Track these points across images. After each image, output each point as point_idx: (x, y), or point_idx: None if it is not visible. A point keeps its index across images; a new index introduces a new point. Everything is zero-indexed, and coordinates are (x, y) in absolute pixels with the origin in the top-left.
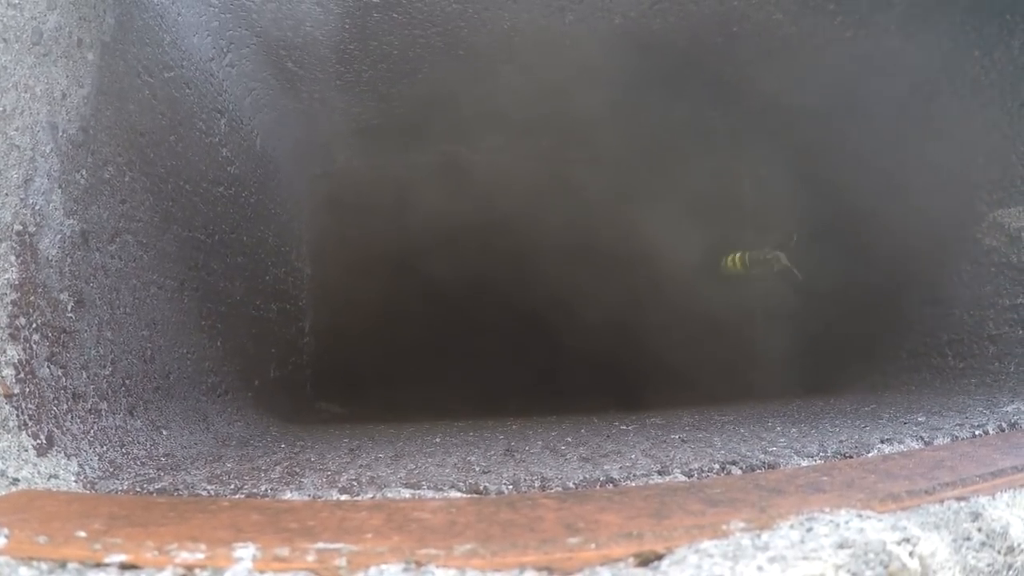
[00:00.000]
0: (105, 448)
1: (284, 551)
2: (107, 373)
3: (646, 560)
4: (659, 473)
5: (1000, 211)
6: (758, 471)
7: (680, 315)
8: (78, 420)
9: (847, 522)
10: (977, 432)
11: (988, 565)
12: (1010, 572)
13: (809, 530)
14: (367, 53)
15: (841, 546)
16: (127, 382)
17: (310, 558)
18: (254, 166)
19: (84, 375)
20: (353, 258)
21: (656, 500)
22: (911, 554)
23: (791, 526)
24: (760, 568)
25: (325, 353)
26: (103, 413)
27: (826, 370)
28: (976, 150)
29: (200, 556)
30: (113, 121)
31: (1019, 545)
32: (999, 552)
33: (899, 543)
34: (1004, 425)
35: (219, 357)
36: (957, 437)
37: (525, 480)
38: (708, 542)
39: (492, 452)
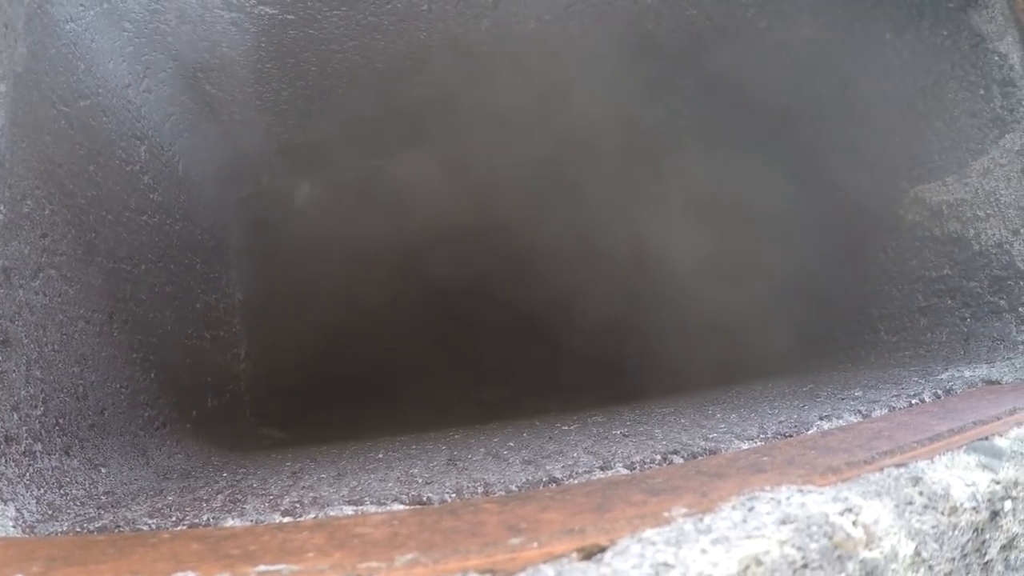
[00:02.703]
0: (42, 490)
1: None
2: (39, 413)
3: (589, 553)
4: (601, 469)
5: (920, 187)
6: (700, 458)
7: (613, 307)
8: (12, 464)
9: (788, 498)
10: (914, 401)
11: (933, 527)
12: (955, 531)
13: (751, 509)
14: (285, 71)
15: (784, 522)
16: (61, 421)
17: None
18: (177, 192)
19: (15, 417)
20: (285, 280)
21: (598, 495)
22: (854, 523)
23: (733, 507)
24: (704, 551)
25: (263, 378)
26: (38, 455)
27: (763, 355)
28: (894, 130)
29: None
30: (29, 153)
31: (961, 505)
32: (942, 513)
33: (842, 513)
34: (940, 392)
35: (154, 390)
36: (894, 408)
37: (468, 487)
38: (651, 530)
39: (435, 463)
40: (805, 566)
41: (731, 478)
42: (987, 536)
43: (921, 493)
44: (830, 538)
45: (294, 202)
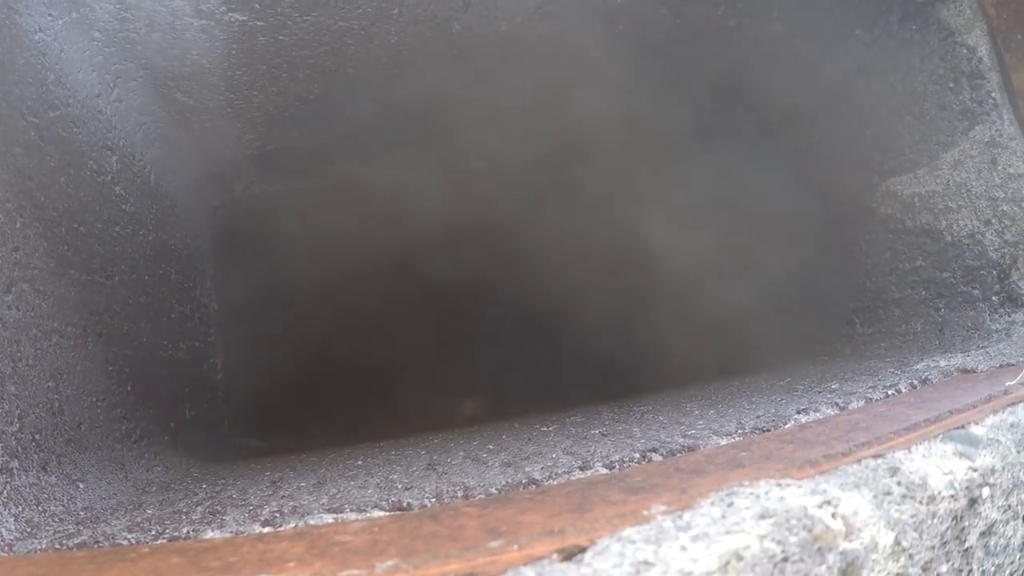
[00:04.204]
0: (20, 508)
1: None
2: (15, 430)
3: (570, 554)
4: (580, 469)
5: (892, 180)
6: (678, 455)
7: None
8: None
9: (767, 492)
10: (890, 392)
11: (912, 516)
12: (934, 520)
13: (730, 505)
14: (256, 78)
15: (763, 516)
16: (37, 437)
17: None
18: (150, 202)
19: None
20: (261, 289)
21: (578, 495)
22: (833, 515)
23: (712, 503)
24: (684, 548)
25: (240, 388)
26: (15, 472)
27: (740, 352)
28: (864, 124)
29: None
30: None
31: (939, 493)
32: (921, 502)
33: (820, 506)
34: (915, 382)
35: (131, 403)
36: (871, 399)
37: (448, 491)
38: (630, 529)
39: (414, 468)
40: (785, 559)
41: (710, 474)
42: (966, 523)
43: (899, 483)
44: (809, 531)
45: (268, 209)
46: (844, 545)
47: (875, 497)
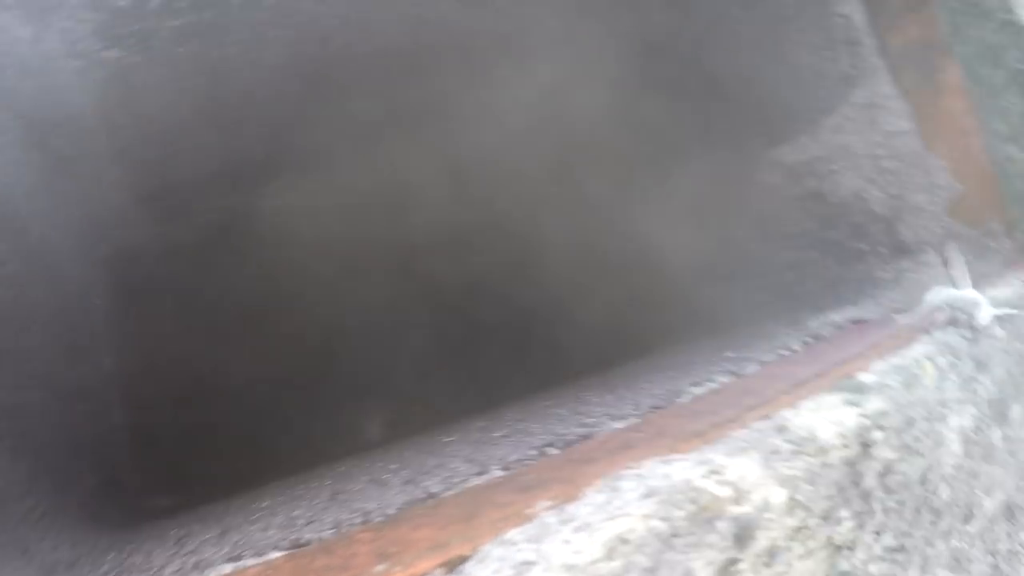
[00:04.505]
0: None
1: None
2: None
3: (453, 566)
4: (478, 475)
5: (776, 150)
6: (574, 446)
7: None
8: None
9: (653, 471)
10: (784, 353)
11: (804, 470)
12: (827, 470)
13: (615, 490)
14: (136, 116)
15: (647, 496)
16: None
17: None
18: (35, 260)
19: None
20: (156, 340)
21: (469, 503)
22: (720, 482)
23: (598, 491)
24: (566, 541)
25: (143, 446)
26: None
27: (637, 333)
28: (747, 99)
29: None
30: None
31: (829, 443)
32: (811, 455)
33: (706, 476)
34: (809, 339)
35: (28, 479)
36: (765, 362)
37: (347, 520)
38: (513, 530)
39: (318, 500)
40: (674, 535)
41: (600, 461)
42: (861, 467)
43: (788, 440)
44: (695, 503)
45: (159, 254)
46: (734, 510)
47: (763, 458)
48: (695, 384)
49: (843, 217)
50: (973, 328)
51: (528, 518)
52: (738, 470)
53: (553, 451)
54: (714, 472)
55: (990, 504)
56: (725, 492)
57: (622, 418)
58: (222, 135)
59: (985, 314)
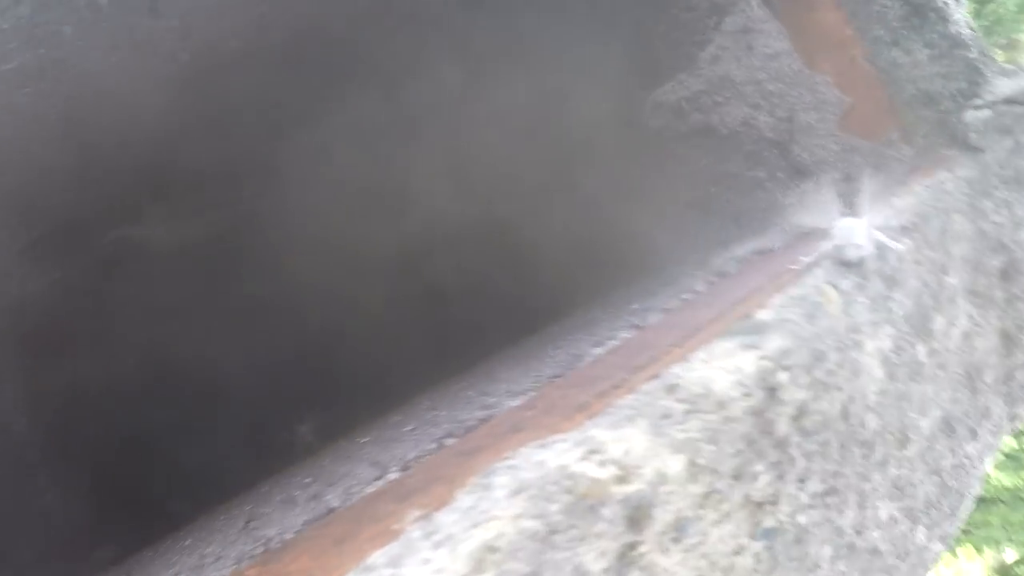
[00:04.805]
0: None
1: None
2: None
3: None
4: (376, 479)
5: (657, 91)
6: (470, 434)
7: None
8: None
9: (528, 459)
10: (687, 297)
11: (702, 430)
12: (731, 424)
13: (487, 488)
14: (5, 157)
15: (517, 492)
16: None
17: None
18: None
19: None
20: (67, 389)
21: (353, 519)
22: (601, 463)
23: (469, 492)
24: (426, 560)
25: (78, 498)
26: None
27: (552, 295)
28: (619, 44)
29: None
30: None
31: (729, 395)
32: (709, 412)
33: (583, 458)
34: (712, 278)
35: None
36: (668, 309)
37: (248, 552)
38: (376, 553)
39: (231, 530)
40: (553, 532)
41: (486, 450)
42: (770, 415)
43: (679, 400)
44: (571, 492)
45: (53, 300)
46: (621, 491)
47: (652, 425)
48: (597, 344)
49: (736, 148)
50: (856, 263)
51: (395, 535)
52: (621, 445)
53: (451, 441)
54: (593, 452)
55: (926, 423)
56: (606, 473)
57: (521, 393)
58: (101, 166)
59: (867, 243)
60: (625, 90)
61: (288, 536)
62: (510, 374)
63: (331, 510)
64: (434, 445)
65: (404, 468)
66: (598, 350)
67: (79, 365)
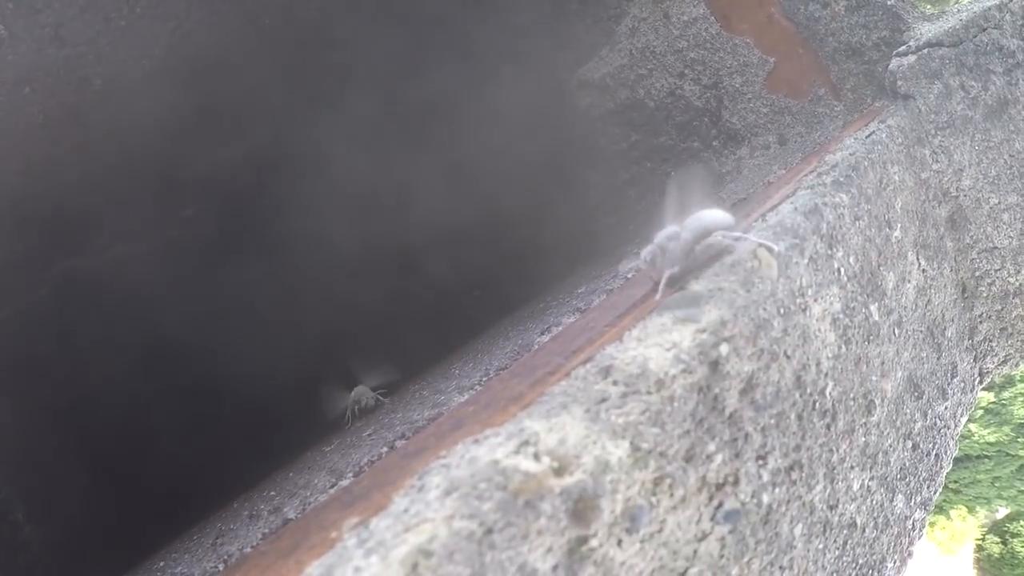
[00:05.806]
0: None
1: None
2: None
3: None
4: (332, 487)
5: (581, 70)
6: (418, 434)
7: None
8: None
9: (462, 457)
10: (630, 276)
11: (643, 412)
12: (675, 404)
13: (420, 490)
14: None
15: (449, 492)
16: None
17: None
18: None
19: None
20: (36, 421)
21: (300, 532)
22: (535, 456)
23: (404, 495)
24: (357, 569)
25: (56, 531)
26: None
27: (497, 288)
28: (537, 27)
29: None
30: None
31: (668, 373)
32: (648, 393)
33: (515, 452)
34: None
35: None
36: (610, 290)
37: (210, 569)
38: (313, 564)
39: (200, 550)
40: (489, 531)
41: (427, 451)
42: (717, 390)
43: (615, 383)
44: (504, 488)
45: (9, 335)
46: (559, 484)
47: (587, 412)
48: (544, 332)
49: (666, 120)
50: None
51: (331, 544)
52: (555, 434)
53: (401, 443)
54: (525, 444)
55: (890, 385)
56: (542, 466)
57: (468, 388)
58: (45, 196)
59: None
60: (552, 72)
61: (247, 551)
62: (462, 368)
63: (287, 522)
64: (386, 448)
65: (357, 474)
66: (545, 337)
67: (36, 397)
